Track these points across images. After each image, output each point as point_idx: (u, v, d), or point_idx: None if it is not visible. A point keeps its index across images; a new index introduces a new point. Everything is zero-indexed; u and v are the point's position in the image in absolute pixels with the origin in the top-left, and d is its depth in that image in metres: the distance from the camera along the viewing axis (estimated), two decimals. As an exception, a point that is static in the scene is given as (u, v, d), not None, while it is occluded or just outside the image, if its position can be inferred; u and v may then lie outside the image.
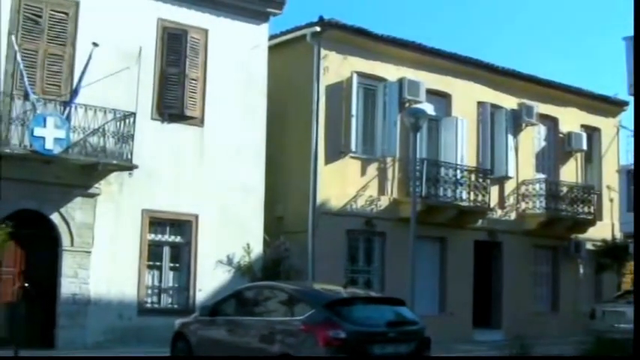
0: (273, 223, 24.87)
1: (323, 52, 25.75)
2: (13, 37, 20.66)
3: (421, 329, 15.55)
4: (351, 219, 25.96)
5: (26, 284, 20.95)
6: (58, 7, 21.63)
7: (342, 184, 25.86)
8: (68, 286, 21.20)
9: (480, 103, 29.72)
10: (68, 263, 21.29)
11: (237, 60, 24.30)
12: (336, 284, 18.77)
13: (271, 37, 25.65)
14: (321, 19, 25.54)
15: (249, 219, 24.02)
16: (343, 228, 25.81)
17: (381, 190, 26.86)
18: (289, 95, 26.10)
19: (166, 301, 23.20)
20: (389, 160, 26.99)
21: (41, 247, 21.22)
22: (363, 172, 26.52)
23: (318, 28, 25.55)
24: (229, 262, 23.61)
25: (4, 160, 19.90)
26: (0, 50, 20.56)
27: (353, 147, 26.02)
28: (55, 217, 21.23)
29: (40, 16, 21.32)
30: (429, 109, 25.73)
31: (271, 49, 25.28)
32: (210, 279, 23.24)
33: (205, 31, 23.83)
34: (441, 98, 28.64)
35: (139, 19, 22.75)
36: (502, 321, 29.67)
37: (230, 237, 23.58)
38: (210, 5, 23.90)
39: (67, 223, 21.31)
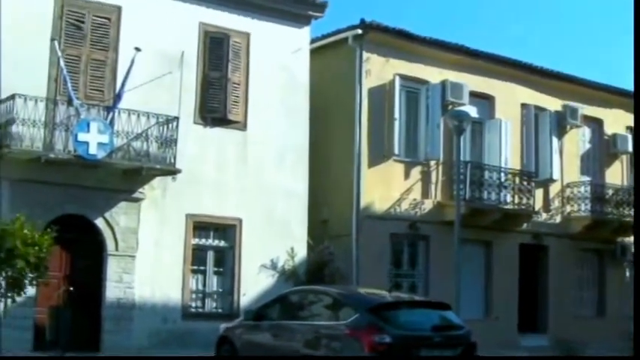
0: (317, 227, 24.61)
1: (365, 55, 25.47)
2: (56, 43, 20.62)
3: (467, 334, 15.26)
4: (394, 222, 25.67)
5: (71, 288, 20.87)
6: (100, 13, 21.59)
7: (386, 187, 25.57)
8: (113, 290, 21.15)
9: (524, 105, 29.27)
10: (113, 268, 21.23)
11: (279, 63, 24.10)
12: (380, 288, 18.59)
13: (313, 41, 25.42)
14: (362, 21, 25.28)
15: (293, 223, 23.80)
16: (387, 232, 25.52)
17: (425, 193, 26.53)
18: (331, 99, 25.82)
19: (210, 305, 23.04)
20: (432, 163, 26.67)
21: (86, 252, 21.16)
22: (407, 176, 26.21)
23: (359, 31, 25.28)
24: (273, 266, 23.41)
25: (49, 165, 19.93)
26: (44, 56, 20.56)
27: (396, 150, 25.74)
28: (99, 222, 21.17)
29: (82, 22, 21.29)
30: (472, 111, 25.19)
31: (313, 52, 25.07)
32: (254, 283, 23.04)
33: (247, 35, 23.66)
34: (484, 100, 28.23)
35: (181, 23, 22.64)
36: (548, 325, 29.19)
37: (274, 241, 23.38)
38: (251, 9, 23.73)
39: (112, 228, 21.25)
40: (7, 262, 16.79)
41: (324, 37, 26.28)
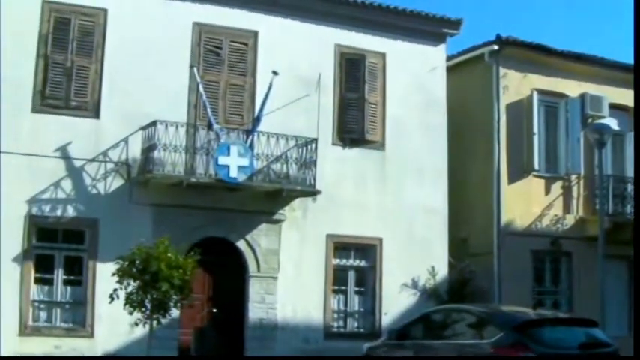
0: (458, 245, 23.84)
1: (502, 70, 24.74)
2: (195, 70, 20.65)
3: (615, 351, 14.38)
4: (536, 239, 24.73)
5: (215, 310, 20.86)
6: (237, 38, 21.56)
7: (526, 203, 24.68)
8: (255, 311, 20.97)
9: (667, 116, 27.93)
10: (255, 289, 21.07)
11: (415, 82, 23.52)
12: (523, 306, 17.75)
13: (449, 58, 24.78)
14: (498, 37, 24.53)
15: (434, 241, 23.11)
16: (528, 248, 24.59)
17: (567, 208, 25.49)
18: (469, 115, 25.10)
19: (352, 324, 22.54)
20: (573, 177, 25.62)
21: (228, 274, 21.03)
22: (547, 191, 25.24)
23: (495, 47, 24.55)
24: (414, 285, 22.74)
25: (190, 189, 19.95)
26: (183, 83, 20.72)
27: (536, 165, 24.84)
28: (241, 244, 21.05)
29: (220, 48, 21.30)
30: (612, 124, 24.20)
31: (449, 69, 24.41)
32: (395, 302, 22.43)
33: (383, 55, 23.19)
34: (625, 112, 26.93)
35: (317, 46, 22.38)
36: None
37: (414, 260, 22.73)
38: (387, 29, 23.25)
39: (253, 250, 21.09)
40: (152, 285, 16.65)
41: (459, 54, 25.65)
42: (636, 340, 13.64)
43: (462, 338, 15.04)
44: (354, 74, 22.71)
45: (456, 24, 24.07)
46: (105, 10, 20.37)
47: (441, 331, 15.85)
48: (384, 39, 23.27)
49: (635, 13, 17.13)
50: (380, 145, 22.87)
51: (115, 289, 16.67)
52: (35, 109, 19.60)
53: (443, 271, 23.09)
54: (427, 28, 23.80)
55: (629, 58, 24.40)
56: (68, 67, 19.88)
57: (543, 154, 25.31)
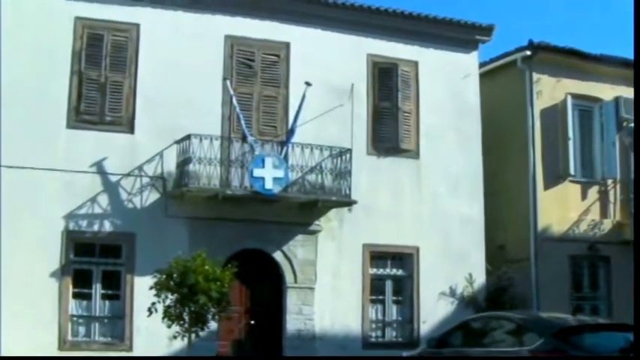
0: (495, 252, 23.51)
1: (535, 76, 24.41)
2: (228, 82, 20.54)
3: (656, 355, 14.02)
4: (573, 244, 24.34)
5: (252, 322, 20.67)
6: (269, 50, 21.43)
7: (563, 209, 24.32)
8: (293, 322, 20.78)
9: (703, 118, 27.48)
10: (292, 300, 20.88)
11: (448, 90, 23.25)
12: (562, 312, 17.67)
13: (481, 65, 24.49)
14: (530, 42, 24.19)
15: (470, 249, 22.78)
16: (566, 254, 24.21)
17: (604, 213, 25.09)
18: (503, 122, 24.78)
19: (390, 334, 22.25)
20: (610, 181, 25.22)
21: (265, 285, 20.88)
22: (584, 196, 24.86)
23: (528, 52, 24.22)
24: (452, 293, 22.44)
25: (226, 201, 19.85)
26: (216, 96, 20.68)
27: (572, 170, 24.49)
28: (277, 255, 20.88)
29: (252, 60, 21.20)
30: (647, 126, 23.90)
31: (482, 76, 24.11)
32: (433, 311, 22.13)
33: (415, 63, 22.95)
34: (660, 115, 26.60)
35: (349, 55, 22.19)
36: None
37: (452, 268, 22.42)
38: (419, 37, 23.00)
39: (290, 261, 20.91)
40: (190, 298, 16.61)
41: (492, 60, 25.36)
42: (636, 340, 13.42)
43: (502, 346, 14.76)
44: (387, 83, 22.49)
45: (487, 30, 23.78)
46: (137, 26, 20.37)
47: (480, 339, 15.53)
48: (416, 47, 23.04)
49: (635, 13, 16.82)
50: (414, 154, 22.63)
51: (153, 303, 16.65)
52: (70, 125, 19.60)
53: (480, 278, 22.76)
54: (459, 36, 23.53)
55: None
56: (102, 82, 19.88)
57: (579, 159, 24.96)
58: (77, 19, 19.86)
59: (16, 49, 19.24)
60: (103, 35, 20.01)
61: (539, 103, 24.41)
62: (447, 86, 23.27)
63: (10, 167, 18.78)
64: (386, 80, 22.48)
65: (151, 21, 20.46)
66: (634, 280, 20.37)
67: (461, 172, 23.08)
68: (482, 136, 23.52)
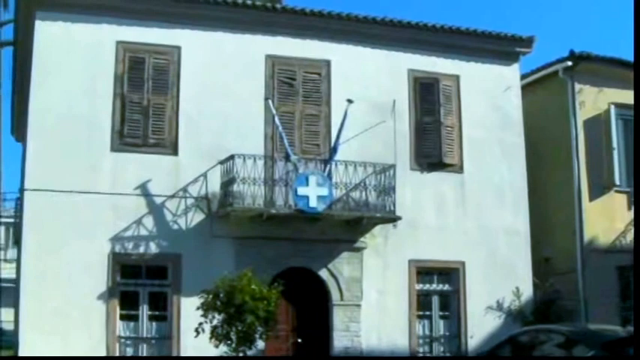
0: (541, 265, 23.06)
1: (577, 86, 24.01)
2: (270, 102, 20.40)
3: None
4: (620, 255, 23.69)
5: (299, 340, 20.46)
6: (310, 69, 21.29)
7: (609, 219, 23.85)
8: (341, 339, 20.54)
9: None
10: (339, 317, 20.63)
11: (490, 103, 22.94)
12: (610, 323, 17.36)
13: (523, 77, 24.10)
14: (571, 53, 23.79)
15: (517, 262, 22.39)
16: (613, 265, 23.68)
17: (650, 222, 24.60)
18: (546, 133, 24.39)
19: (438, 349, 21.92)
20: (656, 190, 24.74)
21: (311, 303, 20.63)
22: (630, 206, 24.28)
23: (569, 63, 23.81)
24: (499, 307, 22.00)
25: (271, 220, 19.72)
26: (259, 115, 20.61)
27: (617, 181, 24.05)
28: (323, 273, 20.66)
29: (293, 79, 21.06)
30: (691, 134, 23.44)
31: (523, 88, 23.76)
32: (480, 325, 21.73)
33: (456, 77, 22.66)
34: None
35: (389, 72, 22.00)
36: None
37: (498, 282, 22.03)
38: (459, 51, 22.71)
39: (336, 278, 20.68)
40: (238, 318, 16.48)
41: (533, 72, 24.97)
42: (636, 339, 13.12)
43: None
44: (429, 98, 22.22)
45: (528, 42, 23.41)
46: (178, 48, 20.36)
47: (528, 353, 15.21)
48: (457, 61, 22.77)
49: (635, 13, 16.48)
50: (458, 168, 22.32)
51: (200, 323, 16.56)
52: (114, 149, 19.58)
53: (528, 291, 22.31)
54: (499, 48, 23.23)
55: None
56: (144, 105, 19.86)
57: (624, 169, 24.44)
58: (119, 43, 19.89)
59: (60, 75, 19.36)
60: (145, 58, 20.00)
61: (582, 114, 24.02)
62: (489, 99, 22.96)
63: (57, 192, 18.81)
64: (427, 95, 22.22)
65: (191, 43, 20.44)
66: (634, 280, 20.07)
67: (505, 185, 22.74)
68: (526, 149, 23.17)
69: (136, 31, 20.06)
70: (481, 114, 22.77)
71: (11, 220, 45.45)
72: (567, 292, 22.59)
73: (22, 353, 18.23)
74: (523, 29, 22.64)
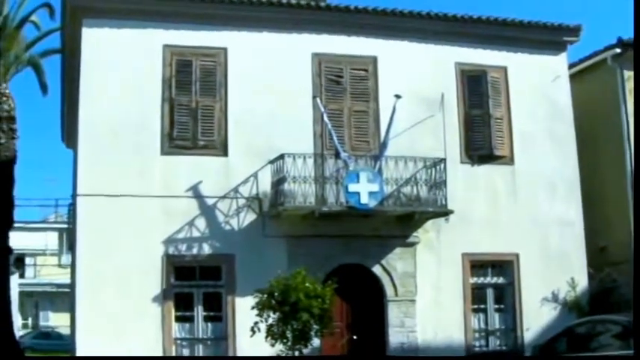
0: (596, 255, 22.67)
1: (626, 73, 23.40)
2: (318, 100, 20.30)
3: None
4: (678, 242, 23.39)
5: (354, 337, 20.32)
6: (357, 65, 21.15)
7: (664, 206, 23.35)
8: (396, 335, 20.38)
9: None
10: (394, 313, 20.47)
11: (539, 94, 22.57)
12: None
13: (571, 66, 23.72)
14: (619, 40, 23.24)
15: (571, 253, 22.00)
16: (670, 252, 23.27)
17: None
18: (595, 122, 23.95)
19: (494, 343, 21.64)
20: None
21: (365, 300, 20.49)
22: (686, 192, 23.89)
23: (618, 50, 23.29)
24: (554, 298, 21.70)
25: (322, 218, 19.60)
26: (307, 114, 20.56)
27: (671, 166, 23.54)
28: (376, 269, 20.52)
29: (341, 76, 20.95)
30: None
31: (572, 77, 23.38)
32: (536, 318, 21.42)
33: (504, 69, 22.33)
34: None
35: (436, 65, 21.76)
36: None
37: (553, 273, 21.69)
38: (506, 42, 22.40)
39: (389, 274, 20.53)
40: (293, 316, 16.47)
41: (581, 61, 24.57)
42: (636, 339, 12.88)
43: (609, 350, 14.61)
44: (477, 90, 21.95)
45: (575, 31, 23.03)
46: (225, 49, 20.37)
47: (586, 344, 15.34)
48: (504, 52, 22.45)
49: (635, 13, 16.14)
50: (509, 160, 22.03)
51: (256, 323, 16.57)
52: (164, 152, 19.65)
53: (583, 282, 22.00)
54: (546, 38, 22.86)
55: None
56: (193, 108, 19.88)
57: (678, 155, 23.95)
58: (166, 47, 19.96)
59: (108, 81, 19.48)
60: (192, 61, 20.04)
61: (632, 101, 23.50)
62: (538, 90, 22.61)
63: (109, 196, 18.89)
64: (475, 88, 21.95)
65: (237, 44, 20.44)
66: (634, 280, 19.77)
67: (557, 176, 22.38)
68: (576, 138, 22.81)
69: (182, 34, 20.10)
70: (530, 105, 22.43)
71: (65, 225, 45.92)
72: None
73: (79, 357, 18.34)
74: (569, 18, 22.34)
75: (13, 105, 27.56)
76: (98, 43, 19.51)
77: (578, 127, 22.93)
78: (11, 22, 27.71)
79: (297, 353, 16.69)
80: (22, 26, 28.13)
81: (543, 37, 22.82)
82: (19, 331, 40.53)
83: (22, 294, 50.25)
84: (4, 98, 27.31)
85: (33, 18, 28.34)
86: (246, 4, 20.44)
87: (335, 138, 19.93)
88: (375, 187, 19.51)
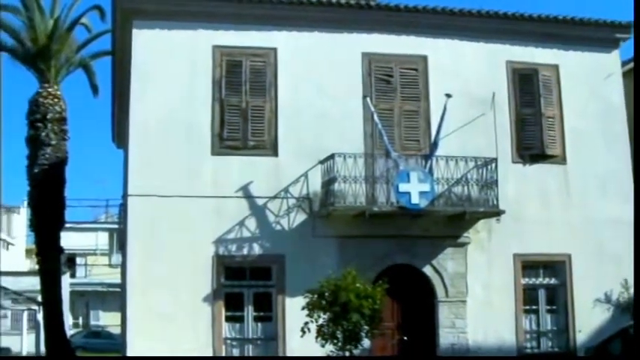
0: (651, 255, 22.28)
1: (683, 71, 23.03)
2: (368, 99, 20.17)
3: None
4: None
5: (405, 337, 20.13)
6: (407, 65, 20.95)
7: None
8: (446, 336, 20.17)
9: None
10: (444, 314, 20.26)
11: (591, 91, 22.19)
12: None
13: (623, 63, 23.30)
14: (675, 37, 22.91)
15: (624, 253, 21.34)
16: None
17: None
18: (649, 119, 23.51)
19: (546, 344, 21.31)
20: None
21: (416, 300, 20.29)
22: None
23: (673, 47, 22.92)
24: (607, 299, 21.29)
25: (373, 218, 19.43)
26: (357, 114, 20.39)
27: None
28: (427, 270, 20.30)
29: (391, 76, 20.77)
30: None
31: (625, 74, 22.93)
32: (588, 319, 21.04)
33: (555, 67, 21.97)
34: None
35: (487, 64, 21.50)
36: None
37: (605, 274, 21.29)
38: (557, 40, 22.01)
39: (440, 275, 20.31)
40: (343, 317, 16.32)
41: (634, 58, 24.06)
42: (636, 339, 12.51)
43: None
44: (528, 89, 21.64)
45: (627, 27, 22.54)
46: (274, 50, 20.30)
47: None
48: (555, 50, 22.09)
49: (635, 13, 15.78)
50: (561, 159, 21.68)
51: (306, 323, 16.47)
52: (215, 152, 19.63)
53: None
54: (598, 35, 22.47)
55: None
56: (243, 108, 19.85)
57: None
58: (215, 47, 19.94)
59: (159, 82, 19.55)
60: (242, 61, 20.01)
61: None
62: (590, 88, 22.24)
63: (160, 197, 18.91)
64: (527, 86, 21.65)
65: (287, 44, 20.37)
66: (634, 280, 19.36)
67: (609, 175, 21.97)
68: (630, 136, 22.32)
69: (231, 34, 20.10)
70: (582, 103, 22.06)
71: (115, 226, 46.20)
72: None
73: (130, 356, 18.37)
74: (621, 15, 21.90)
75: (64, 106, 27.84)
76: (148, 44, 19.56)
77: (631, 125, 22.42)
78: (62, 24, 27.99)
79: (347, 354, 16.55)
80: (73, 29, 28.41)
81: (595, 35, 22.42)
82: (69, 330, 40.91)
83: (73, 293, 50.81)
84: (56, 100, 27.60)
85: (83, 20, 28.61)
86: (295, 4, 20.38)
87: (385, 137, 19.75)
88: (425, 187, 19.32)
